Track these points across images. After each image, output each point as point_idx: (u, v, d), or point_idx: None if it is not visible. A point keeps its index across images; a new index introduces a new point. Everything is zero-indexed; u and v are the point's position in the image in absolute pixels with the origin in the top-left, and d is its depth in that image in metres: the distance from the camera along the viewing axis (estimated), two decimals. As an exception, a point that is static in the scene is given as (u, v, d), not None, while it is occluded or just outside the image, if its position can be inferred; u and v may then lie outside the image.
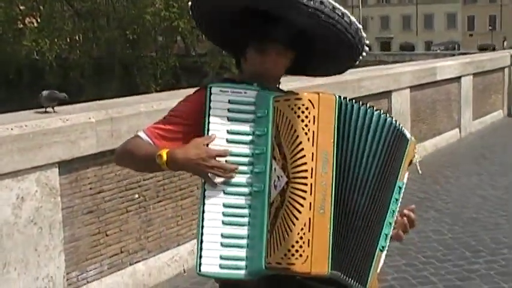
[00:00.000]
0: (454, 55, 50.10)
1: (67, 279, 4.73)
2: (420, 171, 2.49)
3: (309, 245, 2.09)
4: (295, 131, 2.12)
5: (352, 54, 2.36)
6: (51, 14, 52.92)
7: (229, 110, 2.19)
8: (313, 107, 2.12)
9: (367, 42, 2.33)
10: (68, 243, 4.74)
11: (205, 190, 2.18)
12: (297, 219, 2.09)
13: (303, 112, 2.11)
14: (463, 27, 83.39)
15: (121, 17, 51.35)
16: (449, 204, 7.76)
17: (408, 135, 2.35)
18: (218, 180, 2.17)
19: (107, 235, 5.06)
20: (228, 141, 2.19)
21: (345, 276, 2.17)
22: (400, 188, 2.34)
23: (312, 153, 2.11)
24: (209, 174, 2.17)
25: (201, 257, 2.15)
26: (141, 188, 5.29)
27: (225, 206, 2.17)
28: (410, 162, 2.39)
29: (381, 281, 2.42)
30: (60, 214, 4.64)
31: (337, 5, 2.15)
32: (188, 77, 45.58)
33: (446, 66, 11.43)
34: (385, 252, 2.31)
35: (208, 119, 2.19)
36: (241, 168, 2.18)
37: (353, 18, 2.21)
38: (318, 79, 7.76)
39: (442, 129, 11.40)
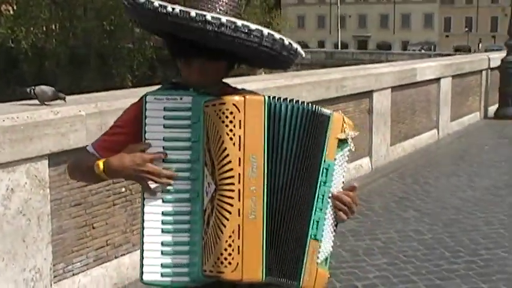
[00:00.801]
0: (430, 56, 50.58)
1: (53, 271, 4.74)
2: (352, 147, 2.28)
3: (239, 252, 2.08)
4: (220, 136, 2.09)
5: (278, 62, 2.27)
6: (28, 1, 52.47)
7: (165, 117, 2.17)
8: (239, 111, 2.09)
9: (296, 47, 2.23)
10: (56, 235, 4.75)
11: (144, 198, 2.19)
12: (224, 226, 2.08)
13: (227, 117, 2.08)
14: (440, 27, 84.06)
15: (98, 7, 51.09)
16: (428, 205, 7.86)
17: (327, 112, 2.24)
18: (155, 185, 2.17)
19: (93, 228, 5.08)
20: (164, 148, 2.18)
21: (279, 278, 2.17)
22: (326, 169, 2.23)
23: (239, 158, 2.09)
24: (147, 180, 2.17)
25: (142, 266, 2.16)
26: (128, 182, 5.29)
27: (164, 214, 2.16)
28: (344, 140, 2.27)
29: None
30: (48, 206, 4.64)
31: (244, 23, 2.08)
32: (165, 69, 45.43)
33: (427, 68, 11.53)
34: (325, 240, 2.25)
35: (145, 128, 2.19)
36: (180, 174, 2.17)
37: (266, 32, 2.12)
38: (295, 78, 7.88)
39: (420, 130, 11.52)
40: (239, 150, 2.08)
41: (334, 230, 2.30)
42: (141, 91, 6.01)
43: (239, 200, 2.08)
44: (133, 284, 5.29)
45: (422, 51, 66.94)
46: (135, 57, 49.66)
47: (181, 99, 2.18)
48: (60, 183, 4.77)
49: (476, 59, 14.96)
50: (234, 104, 2.09)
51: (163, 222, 2.17)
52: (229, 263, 2.07)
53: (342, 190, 2.29)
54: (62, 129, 4.63)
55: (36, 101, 4.89)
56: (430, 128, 11.92)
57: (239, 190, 2.08)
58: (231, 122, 2.08)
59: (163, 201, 2.17)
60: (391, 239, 6.58)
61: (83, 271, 5.00)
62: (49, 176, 4.63)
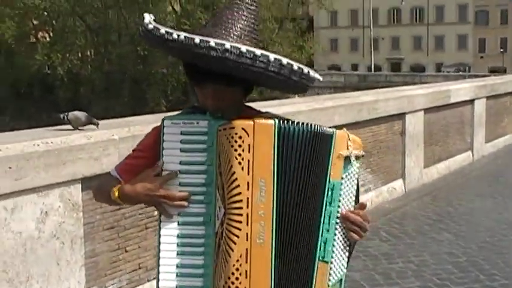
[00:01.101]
0: (464, 77, 50.19)
1: (87, 294, 4.79)
2: (355, 163, 2.24)
3: (246, 276, 2.08)
4: (229, 160, 2.09)
5: (290, 87, 2.24)
6: (64, 28, 53.37)
7: (181, 142, 2.20)
8: (248, 135, 2.09)
9: (308, 71, 2.19)
10: (89, 258, 4.80)
11: (160, 222, 2.20)
12: (232, 250, 2.07)
13: (236, 141, 2.08)
14: (474, 49, 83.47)
15: (132, 33, 51.61)
16: (462, 227, 7.79)
17: (330, 130, 2.21)
18: (171, 210, 2.19)
19: (126, 251, 5.12)
20: (180, 172, 2.20)
21: None
22: (331, 189, 2.20)
23: (248, 182, 2.08)
24: (161, 205, 2.19)
25: (158, 287, 2.18)
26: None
27: (179, 236, 2.18)
28: (348, 157, 2.23)
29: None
30: (81, 229, 4.70)
31: (249, 49, 2.09)
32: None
33: (460, 89, 11.48)
34: (335, 261, 2.23)
35: (162, 152, 2.21)
36: (195, 197, 2.19)
37: (272, 57, 2.10)
38: (328, 101, 7.90)
39: (454, 152, 11.44)
40: (248, 174, 2.08)
41: (348, 251, 2.27)
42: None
43: (247, 224, 2.08)
44: (166, 307, 5.31)
45: (459, 72, 66.53)
46: (168, 82, 50.07)
47: (197, 123, 2.20)
48: (93, 207, 4.82)
49: (510, 80, 14.84)
50: (243, 128, 2.09)
51: (178, 245, 2.18)
52: (237, 287, 2.08)
53: (351, 209, 2.26)
54: (95, 154, 4.69)
55: (69, 126, 4.96)
56: (464, 150, 11.84)
57: (247, 214, 2.08)
58: (240, 146, 2.09)
59: (178, 224, 2.19)
60: (424, 261, 6.52)
61: (116, 294, 5.04)
62: (82, 199, 4.69)
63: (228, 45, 2.06)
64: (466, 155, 11.89)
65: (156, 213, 5.21)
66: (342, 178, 2.22)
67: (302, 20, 62.80)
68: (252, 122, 2.10)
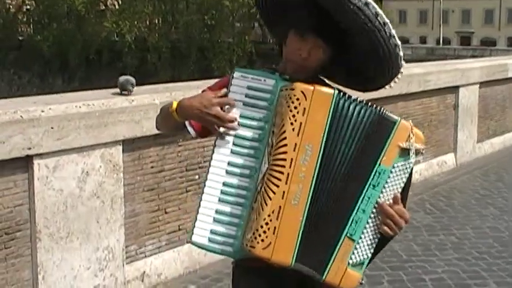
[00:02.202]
0: (537, 52, 48.69)
1: (126, 252, 4.97)
2: (413, 157, 2.23)
3: (274, 232, 2.14)
4: (282, 119, 2.17)
5: (383, 72, 2.32)
6: (132, -4, 53.83)
7: (246, 95, 2.29)
8: (305, 99, 2.15)
9: (403, 63, 2.30)
10: (128, 218, 4.98)
11: (209, 166, 2.28)
12: (266, 205, 2.15)
13: (292, 102, 2.16)
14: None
15: (200, 1, 51.85)
16: (510, 202, 7.72)
17: (394, 118, 2.23)
18: (222, 130, 2.27)
19: (166, 212, 5.28)
20: (239, 124, 2.28)
21: (305, 266, 2.20)
22: (379, 173, 2.21)
23: (295, 144, 2.15)
24: (211, 123, 2.27)
25: (194, 227, 2.26)
26: (201, 170, 5.48)
27: (224, 184, 2.26)
28: (407, 151, 2.23)
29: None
30: (122, 190, 4.87)
31: (380, 12, 2.18)
32: (264, 64, 45.63)
33: (519, 63, 11.25)
34: (362, 243, 2.23)
35: None
36: (244, 150, 2.27)
37: (394, 32, 2.21)
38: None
39: (511, 127, 11.25)
40: (297, 136, 2.15)
41: (379, 240, 2.26)
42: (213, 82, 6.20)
43: (286, 183, 2.15)
44: (204, 269, 5.48)
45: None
46: (234, 52, 50.15)
47: (264, 81, 2.29)
48: (134, 168, 4.99)
49: None
50: (302, 91, 2.16)
51: (221, 192, 2.27)
52: (262, 240, 2.14)
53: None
54: (136, 117, 4.85)
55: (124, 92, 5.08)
56: (521, 126, 11.63)
57: (288, 174, 2.15)
58: (295, 107, 2.16)
59: (226, 173, 2.28)
60: (465, 235, 6.51)
61: (154, 253, 5.22)
62: (123, 161, 4.86)
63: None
64: (523, 130, 11.67)
65: (197, 177, 5.36)
66: (393, 167, 2.23)
67: (371, -10, 61.84)
68: (312, 87, 2.17)
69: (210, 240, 2.26)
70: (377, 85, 2.44)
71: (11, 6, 60.39)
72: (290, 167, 2.15)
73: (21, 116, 4.21)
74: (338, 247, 2.21)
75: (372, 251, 2.26)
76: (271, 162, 2.18)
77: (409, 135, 2.22)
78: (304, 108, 2.15)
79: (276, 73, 2.32)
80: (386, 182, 2.22)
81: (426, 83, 8.56)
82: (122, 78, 5.07)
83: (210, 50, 50.92)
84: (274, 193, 2.15)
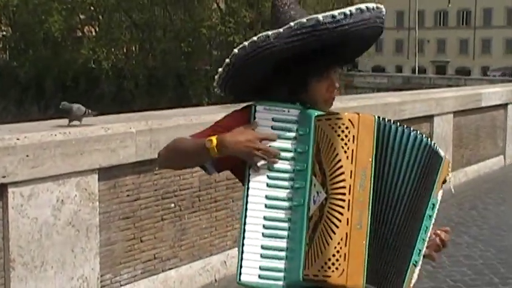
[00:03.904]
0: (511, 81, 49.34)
1: (101, 281, 4.94)
2: (453, 190, 2.56)
3: (345, 259, 2.20)
4: (335, 149, 2.23)
5: (376, 34, 2.46)
6: (110, 24, 53.89)
7: (272, 128, 2.32)
8: (353, 127, 2.24)
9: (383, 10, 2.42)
10: (104, 247, 4.96)
11: (247, 203, 2.29)
12: (334, 233, 2.20)
13: (343, 131, 2.23)
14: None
15: (177, 29, 52.03)
16: (484, 231, 7.78)
17: (442, 153, 2.43)
18: (262, 163, 2.29)
19: (141, 241, 5.27)
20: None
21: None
22: (433, 204, 2.41)
23: (351, 171, 2.22)
24: (256, 158, 2.29)
25: (241, 266, 2.26)
26: (177, 198, 5.49)
27: (265, 219, 2.29)
28: (445, 181, 2.46)
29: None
30: (97, 218, 4.86)
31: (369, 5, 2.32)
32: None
33: (493, 93, 11.41)
34: (418, 267, 2.41)
35: None
36: (282, 183, 2.30)
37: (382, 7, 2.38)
38: (351, 101, 7.96)
39: (485, 156, 11.37)
40: (351, 163, 2.23)
41: None
42: (190, 111, 6.23)
43: (348, 210, 2.22)
44: (179, 297, 5.45)
45: (505, 76, 65.48)
46: (211, 79, 49.94)
47: (288, 111, 2.34)
48: (110, 197, 4.98)
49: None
50: (349, 120, 2.24)
51: (264, 227, 2.29)
52: (336, 268, 2.19)
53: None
54: (112, 145, 4.85)
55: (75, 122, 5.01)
56: (495, 155, 11.75)
57: (349, 200, 2.22)
58: (346, 136, 2.23)
59: (265, 207, 2.30)
60: (440, 263, 6.52)
61: (130, 282, 5.20)
62: (99, 189, 4.85)
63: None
64: (497, 159, 11.79)
65: (172, 205, 5.35)
66: (438, 197, 2.44)
67: (347, 20, 62.36)
68: (357, 115, 2.26)
69: (260, 277, 2.28)
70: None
71: (-13, 33, 60.19)
72: (350, 193, 2.22)
73: (-4, 144, 4.20)
74: (408, 274, 2.36)
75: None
76: (331, 191, 2.22)
77: (447, 169, 2.46)
78: (354, 136, 2.24)
79: (296, 103, 2.36)
80: (435, 213, 2.43)
81: (401, 112, 8.66)
82: (75, 107, 4.97)
83: (187, 77, 51.03)
84: (340, 221, 2.21)
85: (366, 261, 2.24)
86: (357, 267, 2.22)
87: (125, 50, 55.87)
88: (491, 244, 7.22)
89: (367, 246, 2.24)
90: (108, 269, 5.03)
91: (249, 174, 2.31)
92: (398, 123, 2.32)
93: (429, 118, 9.40)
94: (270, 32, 2.27)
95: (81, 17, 56.65)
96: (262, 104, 2.35)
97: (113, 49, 52.31)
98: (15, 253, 4.37)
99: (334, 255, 2.19)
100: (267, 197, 2.29)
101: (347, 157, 2.22)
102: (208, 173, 2.50)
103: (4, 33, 60.82)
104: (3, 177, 4.23)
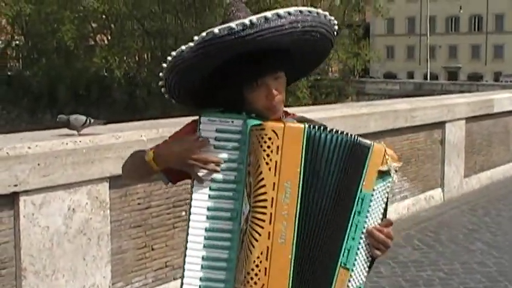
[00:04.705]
0: (522, 87, 49.13)
1: (112, 289, 4.94)
2: (395, 178, 2.30)
3: (265, 274, 2.14)
4: (258, 160, 2.16)
5: (329, 44, 2.38)
6: (122, 32, 54.22)
7: (216, 139, 2.29)
8: (277, 138, 2.16)
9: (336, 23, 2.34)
10: (115, 255, 4.96)
11: (190, 214, 2.26)
12: (253, 247, 2.15)
13: (265, 142, 2.16)
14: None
15: (189, 37, 51.85)
16: (498, 237, 7.74)
17: (368, 143, 2.27)
18: (203, 173, 2.24)
19: (152, 249, 5.26)
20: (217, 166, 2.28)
21: None
22: (362, 199, 2.26)
23: (274, 183, 2.15)
24: (194, 167, 2.24)
25: (183, 276, 2.25)
26: (188, 206, 5.46)
27: (206, 230, 2.25)
28: (386, 172, 2.29)
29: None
30: (108, 227, 4.86)
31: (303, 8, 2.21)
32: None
33: (505, 99, 11.35)
34: (356, 270, 2.27)
35: None
36: (223, 193, 2.26)
37: (321, 11, 2.25)
38: (363, 108, 7.94)
39: (498, 162, 11.32)
40: (274, 175, 2.15)
41: (369, 262, 2.31)
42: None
43: (270, 223, 2.14)
44: (191, 306, 5.43)
45: (511, 81, 65.26)
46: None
47: (232, 122, 2.29)
48: (121, 205, 4.98)
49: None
50: (273, 130, 2.17)
51: (205, 238, 2.26)
52: (255, 283, 2.14)
53: (378, 223, 2.30)
54: (123, 153, 4.84)
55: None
56: (508, 161, 11.69)
57: (271, 214, 2.15)
58: (268, 147, 2.16)
59: (207, 218, 2.26)
60: (453, 270, 6.51)
61: (141, 291, 5.19)
62: (110, 197, 4.85)
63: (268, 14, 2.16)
64: (510, 165, 11.74)
65: (183, 213, 5.34)
66: (374, 190, 2.27)
67: (358, 26, 62.42)
68: (282, 125, 2.18)
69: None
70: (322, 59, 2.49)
71: (0, 42, 60.58)
72: (272, 206, 2.15)
73: (7, 153, 4.21)
74: (335, 278, 2.23)
75: (366, 275, 2.30)
76: (253, 204, 2.17)
77: (384, 157, 2.28)
78: (278, 147, 2.16)
79: (243, 113, 2.30)
80: (370, 206, 2.27)
81: (413, 118, 8.63)
82: (72, 118, 4.92)
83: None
84: (259, 234, 2.15)
85: (292, 277, 2.17)
86: (279, 283, 2.16)
87: (136, 58, 56.15)
88: (506, 251, 7.17)
89: (292, 261, 2.17)
90: (120, 277, 5.03)
91: (193, 186, 2.28)
92: (333, 130, 2.22)
93: (441, 124, 9.35)
94: (185, 46, 2.19)
95: (94, 25, 57.00)
96: (208, 115, 2.31)
97: (124, 57, 52.54)
98: (27, 262, 4.37)
99: (253, 270, 2.14)
100: (208, 209, 2.26)
101: (269, 169, 2.15)
102: (165, 183, 2.48)
103: (17, 42, 61.24)
104: (15, 185, 4.23)
